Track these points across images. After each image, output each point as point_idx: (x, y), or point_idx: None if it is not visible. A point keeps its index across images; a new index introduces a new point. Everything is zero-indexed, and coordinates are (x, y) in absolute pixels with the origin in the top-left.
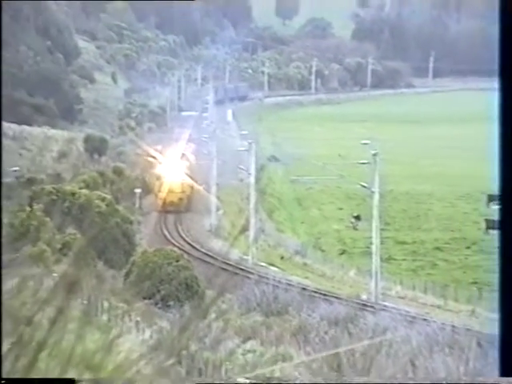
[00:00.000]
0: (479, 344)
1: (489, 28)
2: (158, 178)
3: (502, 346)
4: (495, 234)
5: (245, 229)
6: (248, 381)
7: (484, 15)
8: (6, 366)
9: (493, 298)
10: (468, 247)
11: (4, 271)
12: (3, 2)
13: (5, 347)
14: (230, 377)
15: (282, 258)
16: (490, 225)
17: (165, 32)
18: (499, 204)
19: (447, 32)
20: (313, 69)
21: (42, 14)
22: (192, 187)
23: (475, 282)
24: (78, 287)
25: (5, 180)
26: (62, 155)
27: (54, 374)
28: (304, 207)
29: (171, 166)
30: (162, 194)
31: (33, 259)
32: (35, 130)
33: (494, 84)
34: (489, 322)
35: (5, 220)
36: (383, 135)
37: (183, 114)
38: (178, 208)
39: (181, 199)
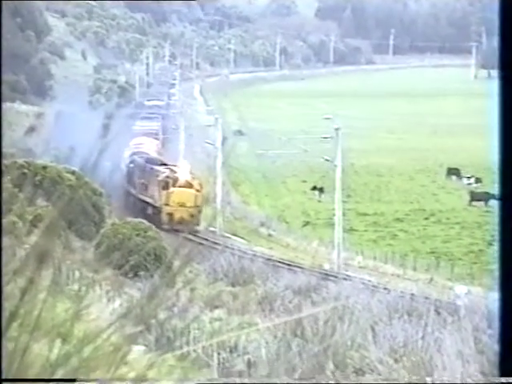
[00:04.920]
0: (437, 311)
1: (446, 7)
2: (165, 188)
3: (502, 346)
4: (479, 205)
5: (210, 200)
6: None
7: None
8: None
9: (450, 266)
10: (426, 218)
11: None
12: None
13: None
14: (197, 343)
15: (255, 230)
16: (474, 197)
17: (133, 10)
18: (499, 198)
19: (406, 11)
20: (277, 46)
21: None
22: (204, 200)
23: (433, 252)
24: (48, 258)
25: None
26: (33, 130)
27: (26, 342)
28: (269, 180)
29: (181, 173)
30: (170, 209)
31: (4, 231)
32: (6, 106)
33: (448, 61)
34: (447, 289)
35: None
36: (345, 110)
37: (147, 103)
38: (189, 226)
39: (192, 216)
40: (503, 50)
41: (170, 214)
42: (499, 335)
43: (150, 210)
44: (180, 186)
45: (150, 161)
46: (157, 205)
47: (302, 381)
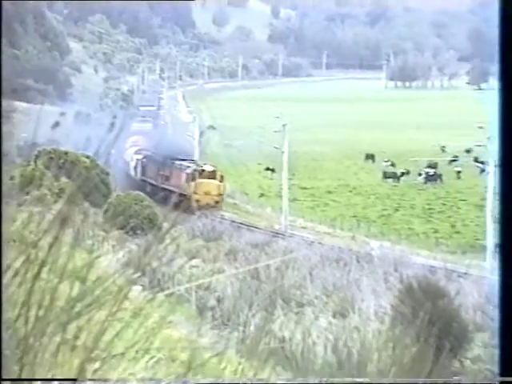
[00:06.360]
0: (357, 260)
1: (363, 35)
2: (193, 179)
3: (502, 346)
4: (390, 182)
5: None
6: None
7: (362, 25)
8: (17, 279)
9: (367, 227)
10: (350, 191)
11: (18, 208)
12: (4, 4)
13: (17, 265)
14: (180, 285)
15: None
16: (386, 175)
17: (132, 36)
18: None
19: (335, 37)
20: (239, 63)
21: (43, 23)
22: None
23: (355, 216)
24: (69, 221)
25: (18, 143)
26: (57, 125)
27: (54, 284)
28: (234, 164)
29: (206, 167)
30: (198, 197)
31: (37, 200)
32: (38, 107)
33: (365, 75)
34: (365, 244)
35: (17, 172)
36: (290, 111)
37: (142, 108)
38: (214, 211)
39: (217, 202)
40: (503, 57)
41: (198, 201)
42: (499, 335)
43: (175, 198)
44: (205, 178)
45: (168, 156)
46: (184, 193)
47: (302, 381)
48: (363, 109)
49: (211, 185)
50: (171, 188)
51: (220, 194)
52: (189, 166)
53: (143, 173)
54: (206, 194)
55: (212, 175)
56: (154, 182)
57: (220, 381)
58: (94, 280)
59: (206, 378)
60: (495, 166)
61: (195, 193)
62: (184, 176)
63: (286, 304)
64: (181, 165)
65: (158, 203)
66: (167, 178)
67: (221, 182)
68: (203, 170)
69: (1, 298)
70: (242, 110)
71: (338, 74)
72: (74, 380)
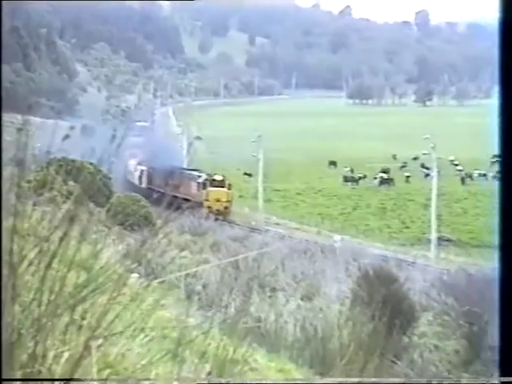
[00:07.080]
0: (322, 251)
1: (327, 59)
2: (204, 187)
3: (502, 346)
4: (349, 185)
5: None
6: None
7: (325, 51)
8: (31, 268)
9: (330, 223)
10: (316, 193)
11: (33, 207)
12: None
13: (31, 255)
14: (171, 273)
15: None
16: (346, 179)
17: (130, 61)
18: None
19: (302, 61)
20: (221, 83)
21: (54, 50)
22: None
23: (320, 214)
24: (77, 218)
25: (31, 152)
26: (66, 137)
27: (63, 272)
28: (216, 169)
29: (216, 176)
30: (209, 203)
31: (49, 201)
32: (50, 122)
33: (329, 93)
34: (328, 237)
35: (32, 177)
36: (265, 124)
37: (137, 124)
38: (224, 216)
39: (226, 208)
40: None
41: (209, 207)
42: (499, 335)
43: (185, 204)
44: (215, 186)
45: (175, 166)
46: (195, 200)
47: (301, 380)
48: (327, 122)
49: (221, 192)
50: (181, 196)
51: (229, 201)
52: (199, 176)
53: (149, 182)
54: (217, 200)
55: (221, 184)
56: (162, 191)
57: (221, 381)
58: (98, 269)
59: (193, 352)
60: (438, 171)
61: (207, 200)
62: (194, 185)
63: (262, 289)
64: (190, 174)
65: (165, 208)
66: (176, 187)
67: (229, 189)
68: (213, 180)
69: (1, 299)
70: (223, 123)
71: (306, 92)
72: (73, 380)
